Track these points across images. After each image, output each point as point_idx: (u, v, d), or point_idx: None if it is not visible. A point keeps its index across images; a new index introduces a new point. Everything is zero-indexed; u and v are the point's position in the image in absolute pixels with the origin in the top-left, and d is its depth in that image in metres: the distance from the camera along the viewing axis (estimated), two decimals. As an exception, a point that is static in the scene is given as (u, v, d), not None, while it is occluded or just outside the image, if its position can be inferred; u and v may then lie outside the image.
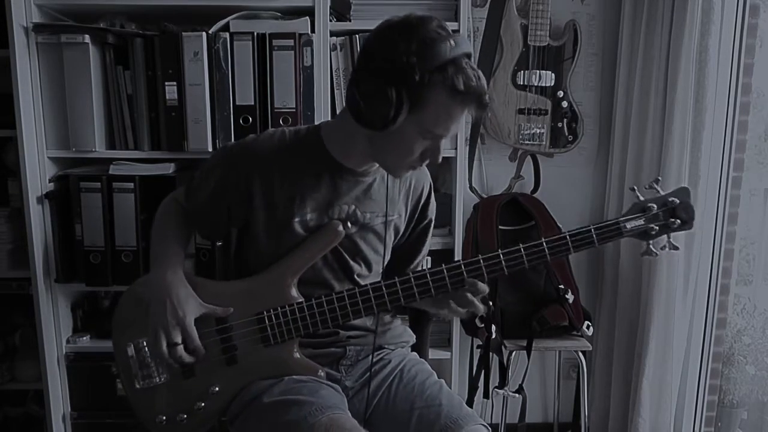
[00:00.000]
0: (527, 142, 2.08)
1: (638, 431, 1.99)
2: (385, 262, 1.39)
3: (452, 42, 1.09)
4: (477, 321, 1.94)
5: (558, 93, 2.05)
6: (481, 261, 1.23)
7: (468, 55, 1.12)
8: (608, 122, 2.15)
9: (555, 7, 2.03)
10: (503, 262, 1.22)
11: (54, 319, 1.79)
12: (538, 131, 2.07)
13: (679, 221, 1.22)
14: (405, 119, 1.11)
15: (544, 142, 2.08)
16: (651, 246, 1.24)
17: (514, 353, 1.94)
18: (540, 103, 2.05)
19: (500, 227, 2.05)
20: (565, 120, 2.07)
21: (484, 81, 1.13)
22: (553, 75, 2.04)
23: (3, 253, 1.86)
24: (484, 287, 1.23)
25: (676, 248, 1.25)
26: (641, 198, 1.24)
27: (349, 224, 1.29)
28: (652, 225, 1.22)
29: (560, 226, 2.06)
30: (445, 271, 1.23)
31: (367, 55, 1.15)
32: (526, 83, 2.04)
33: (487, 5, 2.06)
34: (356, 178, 1.29)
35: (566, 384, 2.28)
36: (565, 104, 2.06)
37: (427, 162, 1.22)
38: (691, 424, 2.09)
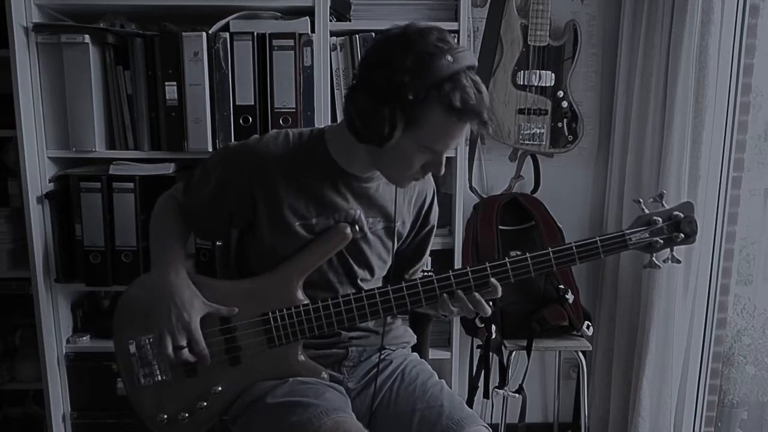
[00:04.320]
0: (527, 142, 2.08)
1: (638, 431, 1.99)
2: (388, 268, 1.39)
3: (450, 57, 1.06)
4: (477, 321, 1.93)
5: (558, 93, 2.05)
6: (489, 269, 1.22)
7: (470, 69, 1.09)
8: (608, 122, 2.15)
9: (555, 7, 2.03)
10: (510, 270, 1.22)
11: (54, 319, 1.79)
12: (538, 131, 2.07)
13: (683, 235, 1.23)
14: (402, 136, 1.10)
15: (544, 142, 2.08)
16: (654, 259, 1.25)
17: (514, 353, 1.94)
18: (540, 103, 2.05)
19: (500, 227, 2.05)
20: (565, 120, 2.07)
21: (485, 96, 1.10)
22: (553, 75, 2.04)
23: (3, 253, 1.86)
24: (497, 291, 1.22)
25: (679, 261, 1.26)
26: (646, 211, 1.25)
27: (356, 227, 1.29)
28: (656, 238, 1.23)
29: (560, 226, 2.06)
30: (452, 277, 1.23)
31: (363, 71, 1.13)
32: (526, 83, 2.04)
33: (487, 5, 2.06)
34: (360, 183, 1.28)
35: (566, 384, 2.29)
36: (565, 104, 2.06)
37: (430, 174, 1.21)
38: (691, 424, 2.09)
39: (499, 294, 1.23)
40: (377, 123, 1.08)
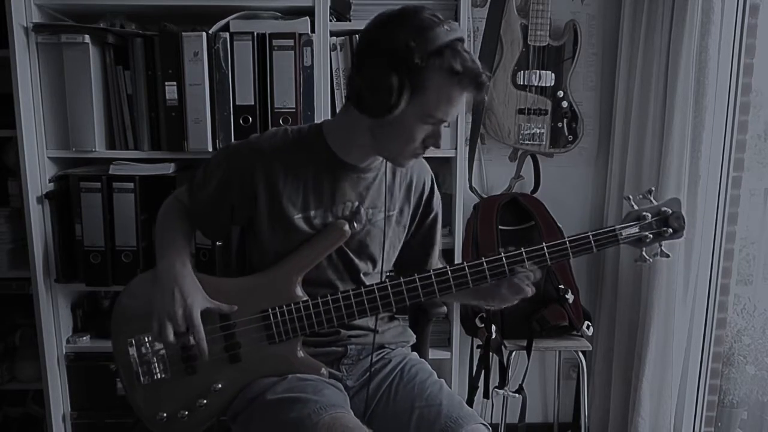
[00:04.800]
0: (527, 142, 2.08)
1: (638, 431, 1.99)
2: (391, 261, 1.40)
3: (447, 27, 1.12)
4: (477, 321, 1.94)
5: (558, 93, 2.05)
6: (485, 263, 1.25)
7: (461, 40, 1.15)
8: (608, 122, 2.15)
9: (555, 7, 2.03)
10: (506, 265, 1.24)
11: (54, 319, 1.79)
12: (538, 131, 2.07)
13: (671, 230, 1.27)
14: (406, 105, 1.13)
15: (544, 142, 2.08)
16: (644, 253, 1.29)
17: (514, 353, 1.94)
18: (540, 103, 2.05)
19: (500, 227, 2.05)
20: (565, 120, 2.07)
21: (479, 63, 1.15)
22: (553, 75, 2.04)
23: (3, 253, 1.86)
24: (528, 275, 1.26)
25: (668, 256, 1.30)
26: (636, 207, 1.28)
27: (354, 224, 1.30)
28: (646, 233, 1.27)
29: (560, 226, 2.06)
30: (449, 272, 1.25)
31: (366, 44, 1.17)
32: (526, 83, 2.04)
33: (487, 5, 2.06)
34: (358, 174, 1.30)
35: (566, 384, 2.28)
36: (565, 104, 2.06)
37: (429, 148, 1.23)
38: (691, 424, 2.09)
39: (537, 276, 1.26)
40: (385, 91, 1.11)
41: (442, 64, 1.11)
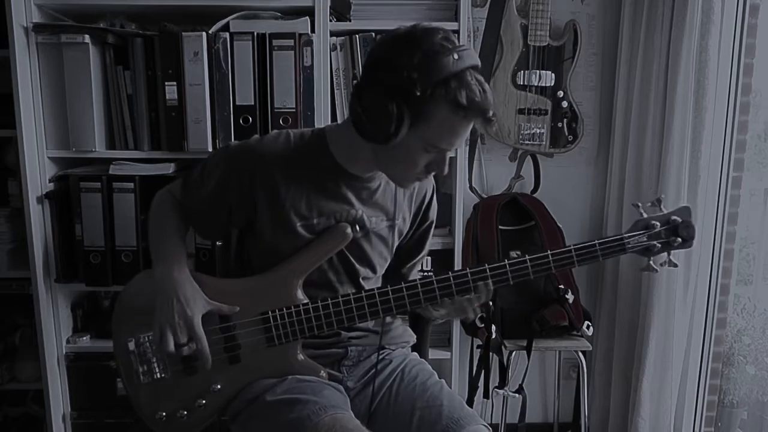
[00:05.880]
0: (527, 142, 2.08)
1: (638, 431, 1.99)
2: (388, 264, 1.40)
3: (456, 55, 1.07)
4: (477, 321, 1.94)
5: (558, 93, 2.05)
6: (488, 270, 1.23)
7: (474, 68, 1.11)
8: (608, 122, 2.15)
9: (555, 7, 2.03)
10: (509, 272, 1.23)
11: (54, 319, 1.79)
12: (538, 131, 2.07)
13: (680, 239, 1.24)
14: (407, 134, 1.10)
15: (544, 142, 2.08)
16: (651, 262, 1.26)
17: (514, 353, 1.94)
18: (540, 103, 2.05)
19: (500, 227, 2.05)
20: (565, 120, 2.07)
21: (490, 95, 1.11)
22: (553, 75, 2.04)
23: (3, 253, 1.86)
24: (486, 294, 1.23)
25: (675, 265, 1.27)
26: (644, 215, 1.25)
27: (357, 228, 1.29)
28: (654, 242, 1.24)
29: (560, 226, 2.06)
30: (451, 278, 1.23)
31: (370, 67, 1.15)
32: (526, 83, 2.04)
33: (487, 5, 2.06)
34: (362, 183, 1.28)
35: (566, 384, 2.28)
36: (565, 104, 2.06)
37: (433, 174, 1.22)
38: (691, 424, 2.09)
39: (486, 299, 1.23)
40: (384, 120, 1.09)
41: (446, 96, 1.06)
